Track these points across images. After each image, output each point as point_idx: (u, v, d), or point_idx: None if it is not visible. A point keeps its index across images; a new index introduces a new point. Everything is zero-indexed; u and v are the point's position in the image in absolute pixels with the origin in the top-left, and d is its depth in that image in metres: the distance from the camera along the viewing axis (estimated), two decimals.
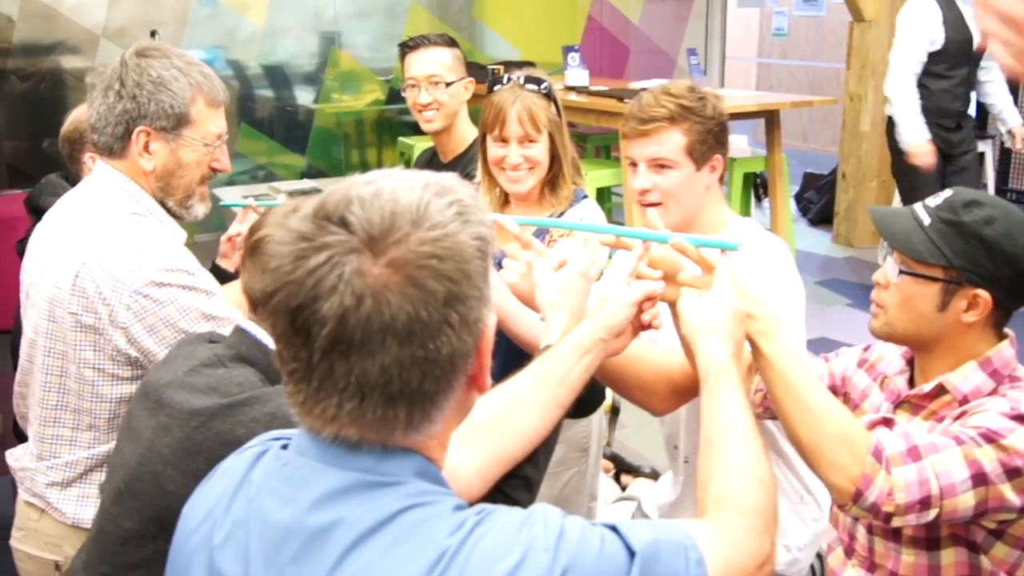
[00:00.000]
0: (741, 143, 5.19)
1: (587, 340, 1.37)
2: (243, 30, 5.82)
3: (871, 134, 5.82)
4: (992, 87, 4.63)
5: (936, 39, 4.43)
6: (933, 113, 4.46)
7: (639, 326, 1.44)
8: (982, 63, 4.54)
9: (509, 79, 2.19)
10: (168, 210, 1.82)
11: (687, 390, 1.60)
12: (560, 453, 2.29)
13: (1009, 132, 4.63)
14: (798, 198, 6.76)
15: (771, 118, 5.04)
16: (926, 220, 1.50)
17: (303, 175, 6.02)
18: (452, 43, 2.77)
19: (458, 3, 6.31)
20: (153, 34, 5.32)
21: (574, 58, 5.17)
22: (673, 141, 1.85)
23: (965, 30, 4.43)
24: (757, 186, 5.22)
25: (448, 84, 2.68)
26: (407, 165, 3.04)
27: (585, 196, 2.19)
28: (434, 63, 2.69)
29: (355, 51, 6.07)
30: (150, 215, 1.79)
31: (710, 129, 1.87)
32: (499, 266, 1.62)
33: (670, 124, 1.85)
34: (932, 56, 4.44)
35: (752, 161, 4.93)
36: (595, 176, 4.76)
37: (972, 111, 4.79)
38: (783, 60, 8.97)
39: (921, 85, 4.46)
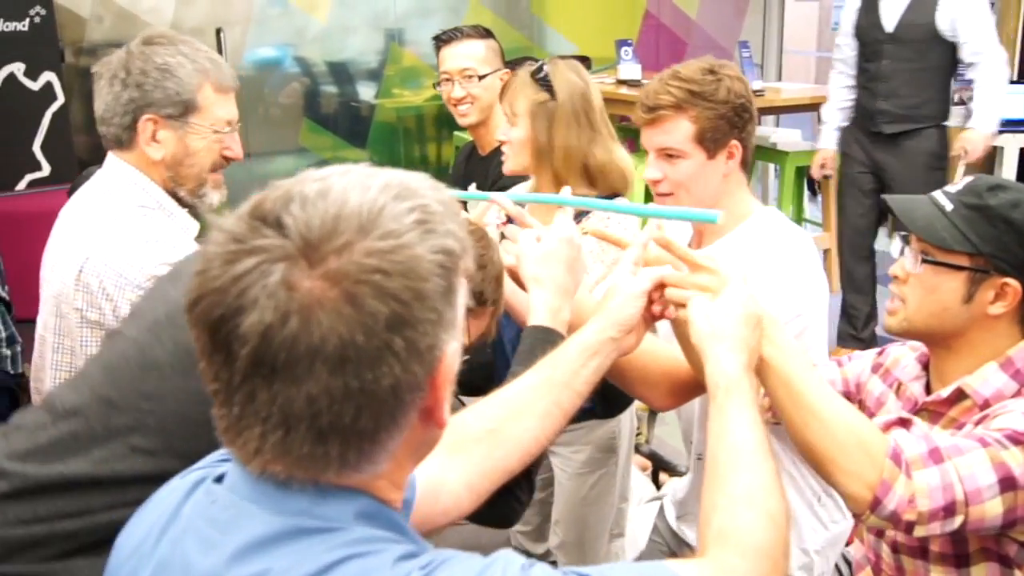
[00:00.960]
0: (795, 137, 5.15)
1: (595, 341, 1.26)
2: (308, 28, 5.97)
3: None
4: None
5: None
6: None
7: (650, 318, 1.34)
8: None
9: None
10: (180, 200, 1.80)
11: (692, 387, 1.52)
12: (587, 454, 2.30)
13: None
14: None
15: None
16: (948, 206, 1.41)
17: None
18: (487, 34, 2.80)
19: (517, 0, 6.40)
20: (219, 32, 5.50)
21: (627, 52, 5.21)
22: (680, 130, 1.75)
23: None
24: (812, 180, 5.18)
25: (481, 77, 2.74)
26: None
27: (618, 196, 2.19)
28: (467, 56, 2.74)
29: (416, 47, 6.18)
30: (159, 208, 1.78)
31: (723, 114, 1.75)
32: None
33: (676, 112, 1.75)
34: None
35: (805, 155, 4.90)
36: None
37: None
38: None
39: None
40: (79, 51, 5.38)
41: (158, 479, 1.00)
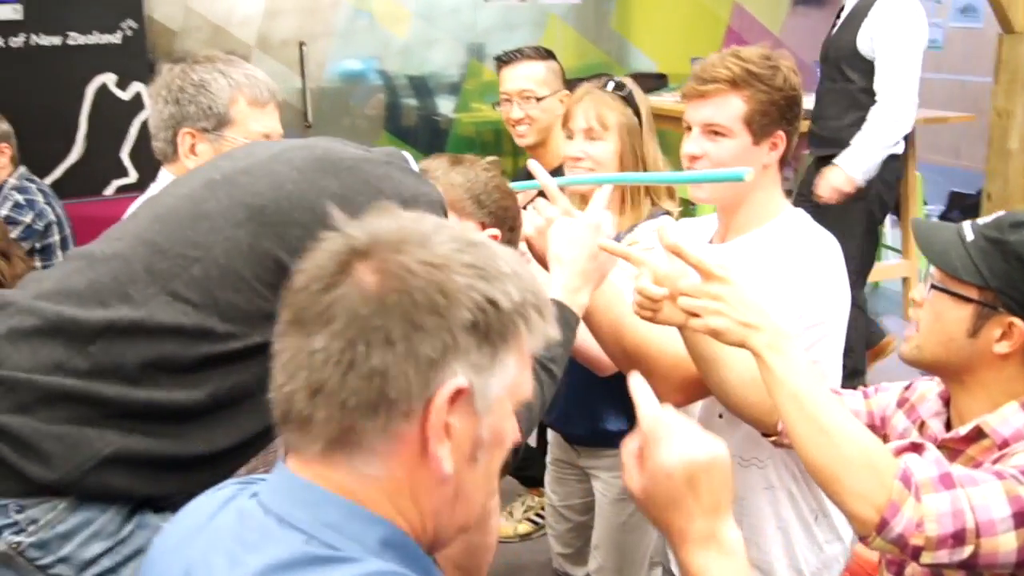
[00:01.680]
0: None
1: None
2: (390, 43, 6.08)
3: (1020, 152, 5.54)
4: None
5: None
6: None
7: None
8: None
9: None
10: None
11: (702, 386, 1.54)
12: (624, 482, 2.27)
13: None
14: (943, 218, 6.50)
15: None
16: (969, 236, 1.38)
17: None
18: (548, 55, 2.83)
19: (599, 16, 6.39)
20: (301, 46, 5.63)
21: None
22: (731, 107, 1.72)
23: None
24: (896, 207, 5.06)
25: (539, 98, 2.76)
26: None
27: (666, 213, 2.19)
28: (526, 77, 2.77)
29: (490, 63, 6.25)
30: None
31: (775, 101, 1.73)
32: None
33: (730, 88, 1.72)
34: None
35: None
36: None
37: None
38: (936, 73, 8.61)
39: None
40: (171, 62, 5.56)
41: (197, 336, 1.08)
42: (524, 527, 3.45)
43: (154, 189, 1.93)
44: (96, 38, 4.73)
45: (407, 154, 1.54)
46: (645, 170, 2.17)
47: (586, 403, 2.25)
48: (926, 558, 1.23)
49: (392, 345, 0.81)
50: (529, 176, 2.71)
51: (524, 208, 1.81)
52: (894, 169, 4.05)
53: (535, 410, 1.44)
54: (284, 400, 0.86)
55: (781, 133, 1.78)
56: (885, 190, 4.05)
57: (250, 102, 1.89)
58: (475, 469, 0.89)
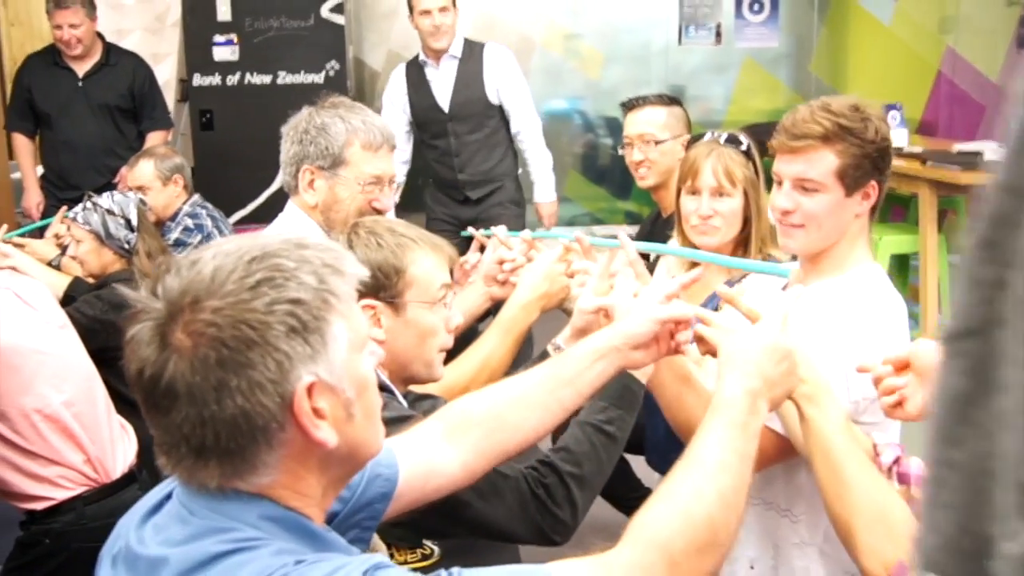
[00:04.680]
0: None
1: (603, 346, 1.34)
2: (586, 83, 6.20)
3: None
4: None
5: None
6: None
7: (668, 349, 1.41)
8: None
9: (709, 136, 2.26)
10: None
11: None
12: None
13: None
14: None
15: None
16: None
17: (624, 221, 6.28)
18: (672, 102, 2.90)
19: (798, 59, 6.25)
20: None
21: (894, 116, 4.94)
22: (824, 162, 1.71)
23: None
24: None
25: (659, 142, 2.79)
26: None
27: (777, 261, 2.19)
28: (647, 122, 2.82)
29: (685, 104, 6.24)
30: None
31: (868, 153, 1.71)
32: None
33: (823, 143, 1.71)
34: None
35: None
36: (891, 242, 4.51)
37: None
38: None
39: None
40: (371, 100, 5.97)
41: None
42: None
43: (282, 218, 2.16)
44: (302, 78, 5.16)
45: None
46: (760, 222, 2.16)
47: (682, 446, 2.25)
48: None
49: (236, 391, 0.91)
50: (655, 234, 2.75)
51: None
52: None
53: (597, 476, 1.48)
54: (174, 465, 0.97)
55: (874, 183, 1.75)
56: None
57: (364, 145, 2.04)
58: (354, 420, 0.99)
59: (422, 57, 4.29)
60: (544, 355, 1.73)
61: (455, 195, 4.36)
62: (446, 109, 4.26)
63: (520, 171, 4.44)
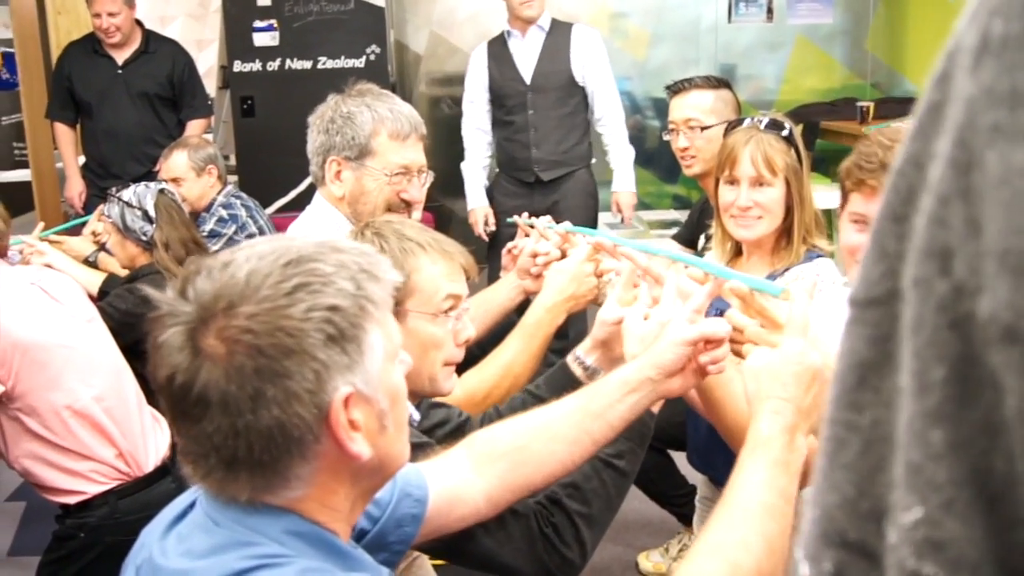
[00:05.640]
0: None
1: (633, 378, 1.29)
2: (632, 64, 6.05)
3: None
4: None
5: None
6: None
7: (699, 369, 1.33)
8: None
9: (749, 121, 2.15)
10: None
11: None
12: None
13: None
14: None
15: None
16: None
17: (672, 206, 6.14)
18: (719, 84, 2.74)
19: (854, 37, 6.03)
20: None
21: None
22: None
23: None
24: None
25: (704, 128, 2.66)
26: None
27: (820, 256, 2.06)
28: (693, 107, 2.68)
29: (735, 84, 6.07)
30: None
31: None
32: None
33: None
34: None
35: None
36: None
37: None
38: None
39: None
40: (413, 83, 5.89)
41: None
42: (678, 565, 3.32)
43: (310, 210, 2.09)
44: (343, 63, 5.08)
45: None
46: (803, 211, 2.05)
47: (728, 448, 2.15)
48: None
49: (272, 401, 0.88)
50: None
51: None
52: None
53: (606, 512, 1.44)
54: (202, 476, 0.94)
55: None
56: None
57: (391, 135, 1.97)
58: (387, 432, 0.96)
59: (507, 28, 4.24)
60: (562, 366, 1.66)
61: (526, 177, 4.22)
62: (528, 80, 4.17)
63: (594, 161, 4.32)
